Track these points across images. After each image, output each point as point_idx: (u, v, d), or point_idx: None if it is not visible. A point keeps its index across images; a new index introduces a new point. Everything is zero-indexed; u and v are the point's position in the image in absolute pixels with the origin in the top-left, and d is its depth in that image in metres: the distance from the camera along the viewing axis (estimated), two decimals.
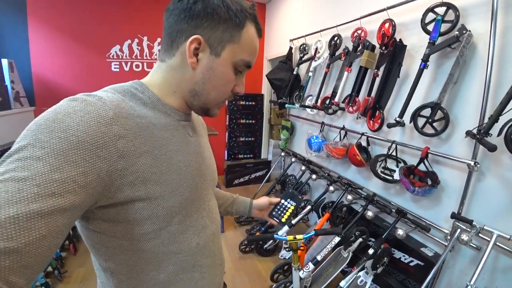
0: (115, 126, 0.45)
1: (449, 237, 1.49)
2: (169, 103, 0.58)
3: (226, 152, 4.28)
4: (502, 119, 1.19)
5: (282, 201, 0.98)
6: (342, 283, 1.67)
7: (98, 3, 3.26)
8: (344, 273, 1.82)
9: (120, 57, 3.48)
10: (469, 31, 1.36)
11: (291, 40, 3.18)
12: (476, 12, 1.38)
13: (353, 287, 1.71)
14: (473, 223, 1.34)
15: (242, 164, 4.03)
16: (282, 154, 3.43)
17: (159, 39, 3.60)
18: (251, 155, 4.33)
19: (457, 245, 1.48)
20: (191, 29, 0.52)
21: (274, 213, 0.97)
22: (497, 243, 1.26)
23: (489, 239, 1.27)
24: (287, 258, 2.31)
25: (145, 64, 3.61)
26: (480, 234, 1.34)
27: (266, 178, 3.51)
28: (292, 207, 0.96)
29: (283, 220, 0.94)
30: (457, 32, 1.39)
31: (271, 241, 2.35)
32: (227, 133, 4.19)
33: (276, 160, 3.76)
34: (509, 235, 1.22)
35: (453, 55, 1.47)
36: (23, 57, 3.06)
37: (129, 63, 3.54)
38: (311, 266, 1.84)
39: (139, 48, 3.55)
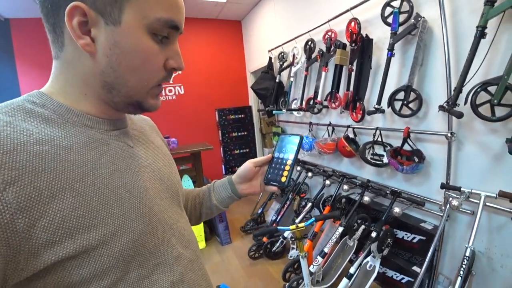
0: None
1: (443, 208, 1.58)
2: (85, 111, 0.43)
3: (223, 166, 4.35)
4: (465, 90, 1.31)
5: (276, 154, 0.68)
6: (351, 270, 1.72)
7: None
8: (352, 262, 1.87)
9: None
10: (424, 17, 1.51)
11: (269, 51, 3.35)
12: (427, 1, 1.53)
13: (363, 272, 1.75)
14: (462, 189, 1.43)
15: None
16: None
17: None
18: None
19: (453, 214, 1.57)
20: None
21: (270, 176, 0.67)
22: (487, 204, 1.35)
23: (478, 201, 1.36)
24: (296, 257, 2.35)
25: None
26: (470, 199, 1.43)
27: None
28: (291, 158, 0.66)
29: (283, 179, 0.64)
30: (413, 20, 1.53)
31: (279, 243, 2.40)
32: (221, 148, 4.28)
33: None
34: (495, 194, 1.30)
35: (414, 41, 1.61)
36: (15, 97, 3.16)
37: None
38: (319, 259, 1.89)
39: None
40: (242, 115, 4.29)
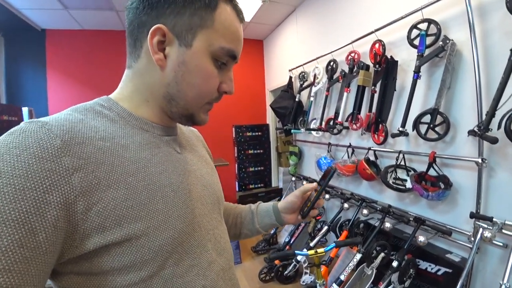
0: (65, 157, 0.35)
1: (472, 238, 1.46)
2: (144, 116, 0.49)
3: (237, 183, 4.32)
4: (499, 114, 1.26)
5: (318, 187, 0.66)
6: None
7: (110, 52, 3.59)
8: None
9: None
10: (452, 40, 1.49)
11: (290, 70, 3.40)
12: (455, 24, 1.52)
13: None
14: (494, 219, 1.33)
15: (253, 194, 4.04)
16: (293, 179, 3.45)
17: None
18: (261, 184, 4.35)
19: (484, 246, 1.45)
20: (152, 20, 0.43)
21: (303, 205, 0.69)
22: None
23: None
24: (309, 283, 2.23)
25: None
26: (503, 230, 1.32)
27: None
28: (317, 189, 0.65)
29: (305, 210, 0.66)
30: (441, 43, 1.51)
31: (292, 266, 2.29)
32: (236, 165, 4.27)
33: (287, 186, 3.77)
34: None
35: (442, 64, 1.58)
36: (42, 105, 3.34)
37: None
38: (335, 287, 1.78)
39: None
40: (259, 133, 4.30)
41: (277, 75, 4.05)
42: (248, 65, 4.39)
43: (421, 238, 1.54)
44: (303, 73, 3.11)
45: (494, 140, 1.21)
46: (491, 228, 1.35)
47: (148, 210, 0.41)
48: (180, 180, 0.49)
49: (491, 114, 1.28)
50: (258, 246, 2.90)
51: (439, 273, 1.58)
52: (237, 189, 4.32)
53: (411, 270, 1.64)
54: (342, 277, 1.82)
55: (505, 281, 1.19)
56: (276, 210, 0.73)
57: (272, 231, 2.94)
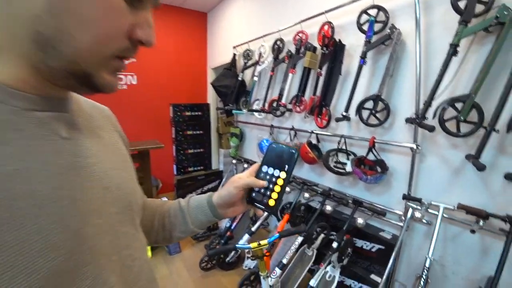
0: None
1: (403, 218, 1.60)
2: None
3: (175, 166, 4.01)
4: (434, 104, 1.34)
5: (264, 168, 0.55)
6: (311, 282, 1.64)
7: None
8: (312, 272, 1.80)
9: None
10: (399, 29, 1.52)
11: (234, 47, 3.18)
12: (403, 13, 1.55)
13: (323, 284, 1.69)
14: (422, 200, 1.46)
15: (193, 177, 3.79)
16: (234, 161, 3.35)
17: None
18: (201, 167, 4.14)
19: (411, 224, 1.60)
20: None
21: (254, 195, 0.55)
22: (444, 215, 1.39)
23: (437, 213, 1.39)
24: (252, 267, 2.21)
25: None
26: (429, 210, 1.46)
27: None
28: (283, 176, 0.53)
29: (271, 203, 0.52)
30: (389, 31, 1.53)
31: (233, 252, 2.23)
32: (174, 146, 3.94)
33: (227, 169, 3.66)
34: (453, 206, 1.34)
35: (387, 52, 1.62)
36: None
37: None
38: (278, 271, 1.77)
39: None
40: (199, 113, 4.02)
41: (220, 52, 3.77)
42: (189, 39, 3.98)
43: (360, 220, 1.62)
44: (248, 51, 2.94)
45: (431, 128, 1.28)
46: (420, 208, 1.48)
47: None
48: (56, 183, 0.31)
49: (428, 103, 1.36)
50: (198, 233, 2.75)
51: (373, 249, 1.71)
52: (175, 172, 4.02)
53: (349, 249, 1.73)
54: (285, 261, 1.82)
55: (430, 254, 1.32)
56: (212, 205, 0.58)
57: None
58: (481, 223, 1.24)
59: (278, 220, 2.40)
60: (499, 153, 1.25)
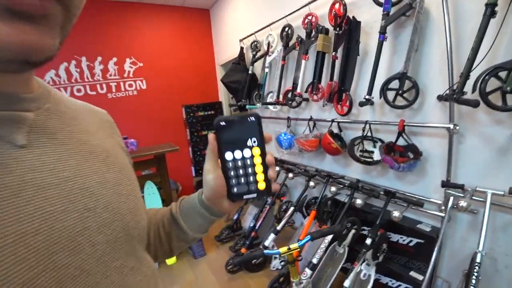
0: None
1: (443, 207, 1.43)
2: None
3: (193, 168, 3.99)
4: (473, 75, 1.16)
5: (227, 155, 0.42)
6: (346, 283, 1.52)
7: None
8: (345, 271, 1.68)
9: (58, 82, 3.06)
10: None
11: (241, 40, 3.06)
12: None
13: (358, 284, 1.57)
14: (465, 187, 1.29)
15: None
16: None
17: (99, 58, 3.25)
18: None
19: (452, 213, 1.43)
20: None
21: (236, 190, 0.43)
22: (493, 202, 1.22)
23: (483, 200, 1.22)
24: (280, 268, 2.12)
25: (87, 87, 3.22)
26: (473, 197, 1.29)
27: None
28: (256, 152, 0.42)
29: (262, 186, 0.43)
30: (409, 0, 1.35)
31: None
32: (190, 148, 3.91)
33: None
34: (503, 191, 1.17)
35: (408, 23, 1.44)
36: None
37: (68, 88, 3.13)
38: (308, 271, 1.67)
39: (78, 70, 3.16)
40: (212, 112, 3.96)
41: (227, 47, 3.66)
42: (194, 38, 3.89)
43: (396, 213, 1.46)
44: (255, 42, 2.81)
45: (476, 104, 1.10)
46: (463, 195, 1.31)
47: None
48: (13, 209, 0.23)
49: (466, 75, 1.18)
50: (222, 234, 2.70)
51: (411, 244, 1.56)
52: (193, 174, 4.00)
53: (384, 245, 1.59)
54: (315, 260, 1.71)
55: (480, 248, 1.15)
56: (202, 202, 0.47)
57: (235, 216, 2.75)
58: None
59: (304, 217, 2.29)
60: None
